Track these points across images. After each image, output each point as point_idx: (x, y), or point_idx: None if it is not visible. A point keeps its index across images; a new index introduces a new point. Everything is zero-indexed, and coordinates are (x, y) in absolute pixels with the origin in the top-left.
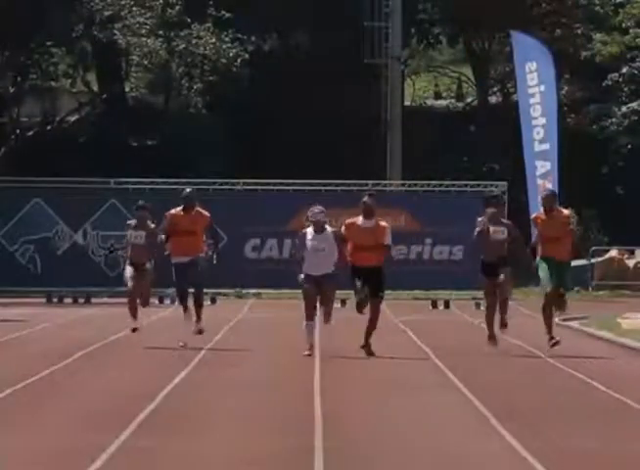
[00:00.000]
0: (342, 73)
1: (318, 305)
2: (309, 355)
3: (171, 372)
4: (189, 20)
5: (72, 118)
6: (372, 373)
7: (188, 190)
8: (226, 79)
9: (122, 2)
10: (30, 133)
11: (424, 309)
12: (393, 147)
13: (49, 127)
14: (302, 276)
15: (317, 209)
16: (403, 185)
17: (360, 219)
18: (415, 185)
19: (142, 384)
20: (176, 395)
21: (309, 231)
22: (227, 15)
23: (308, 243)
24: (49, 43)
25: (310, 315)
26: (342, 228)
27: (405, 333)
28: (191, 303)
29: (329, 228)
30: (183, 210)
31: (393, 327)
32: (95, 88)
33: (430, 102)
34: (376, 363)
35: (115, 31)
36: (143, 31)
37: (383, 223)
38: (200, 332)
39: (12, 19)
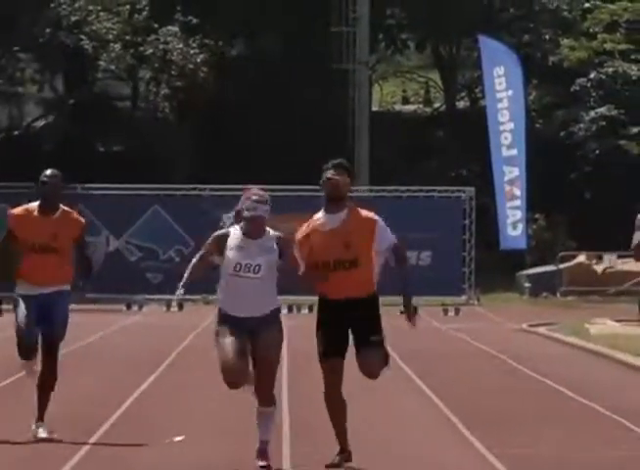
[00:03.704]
0: (310, 78)
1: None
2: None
3: (140, 377)
4: (156, 25)
5: (39, 124)
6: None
7: (49, 172)
8: (193, 84)
9: (90, 7)
10: None
11: (392, 315)
12: (361, 152)
13: (16, 133)
14: (182, 292)
15: (257, 195)
16: (371, 191)
17: (321, 216)
18: (383, 190)
19: (111, 389)
20: (145, 400)
21: (234, 233)
22: (194, 20)
23: (230, 254)
24: (16, 48)
25: (236, 384)
26: (297, 240)
27: None
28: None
29: (272, 232)
30: (40, 208)
31: None
32: (62, 93)
33: (398, 107)
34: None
35: (82, 37)
36: (110, 37)
37: (365, 214)
38: (38, 436)
39: None
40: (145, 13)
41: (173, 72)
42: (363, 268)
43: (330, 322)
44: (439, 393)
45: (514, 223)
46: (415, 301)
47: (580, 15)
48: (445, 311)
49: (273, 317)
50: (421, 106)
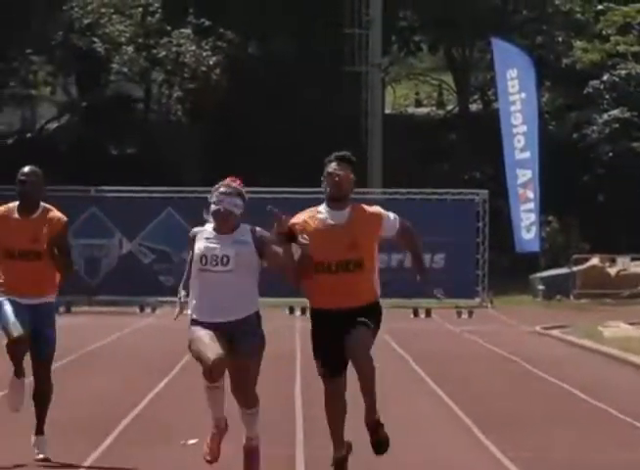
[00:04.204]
0: (323, 81)
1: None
2: None
3: (153, 379)
4: (169, 27)
5: (52, 126)
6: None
7: (27, 169)
8: (206, 87)
9: (102, 10)
10: (10, 141)
11: (405, 318)
12: (374, 155)
13: (29, 135)
14: (184, 294)
15: (225, 187)
16: (384, 193)
17: (323, 209)
18: (396, 193)
19: (124, 391)
20: (158, 402)
21: (206, 229)
22: (207, 23)
23: (196, 247)
24: (28, 51)
25: (218, 411)
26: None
27: (386, 340)
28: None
29: (246, 228)
30: (19, 208)
31: None
32: (75, 96)
33: (410, 109)
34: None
35: (95, 39)
36: (122, 39)
37: (370, 210)
38: (42, 457)
39: None
40: (157, 15)
41: (186, 75)
42: (367, 272)
43: (327, 336)
44: (453, 395)
45: (528, 226)
46: (428, 303)
47: (593, 17)
48: (459, 314)
49: (252, 323)
50: (434, 108)
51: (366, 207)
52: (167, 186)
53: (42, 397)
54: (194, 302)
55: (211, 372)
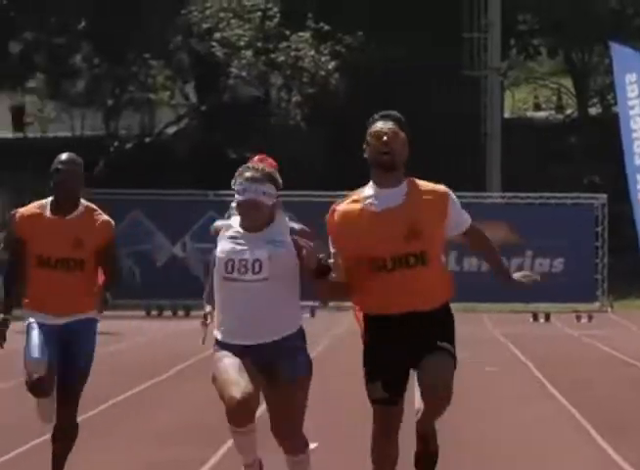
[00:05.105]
0: (442, 85)
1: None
2: None
3: None
4: (287, 32)
5: (171, 131)
6: (468, 382)
7: (64, 156)
8: (325, 92)
9: (221, 15)
10: (129, 145)
11: (524, 322)
12: (493, 158)
13: (147, 140)
14: (209, 317)
15: (251, 170)
16: (503, 197)
17: (369, 191)
18: (515, 197)
19: None
20: None
21: (233, 224)
22: (326, 27)
23: (220, 248)
24: (147, 55)
25: (250, 456)
26: (328, 221)
27: (505, 344)
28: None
29: (283, 222)
30: (53, 206)
31: (492, 338)
32: (194, 100)
33: (529, 113)
34: (473, 372)
35: (213, 44)
36: (241, 43)
37: (432, 186)
38: None
39: (110, 31)
40: (276, 19)
41: (305, 79)
42: (433, 266)
43: (385, 351)
44: (572, 399)
45: None
46: (546, 307)
47: None
48: (578, 318)
49: (295, 342)
50: (553, 112)
51: (426, 183)
52: (286, 190)
53: (65, 435)
54: (219, 318)
55: (236, 415)
